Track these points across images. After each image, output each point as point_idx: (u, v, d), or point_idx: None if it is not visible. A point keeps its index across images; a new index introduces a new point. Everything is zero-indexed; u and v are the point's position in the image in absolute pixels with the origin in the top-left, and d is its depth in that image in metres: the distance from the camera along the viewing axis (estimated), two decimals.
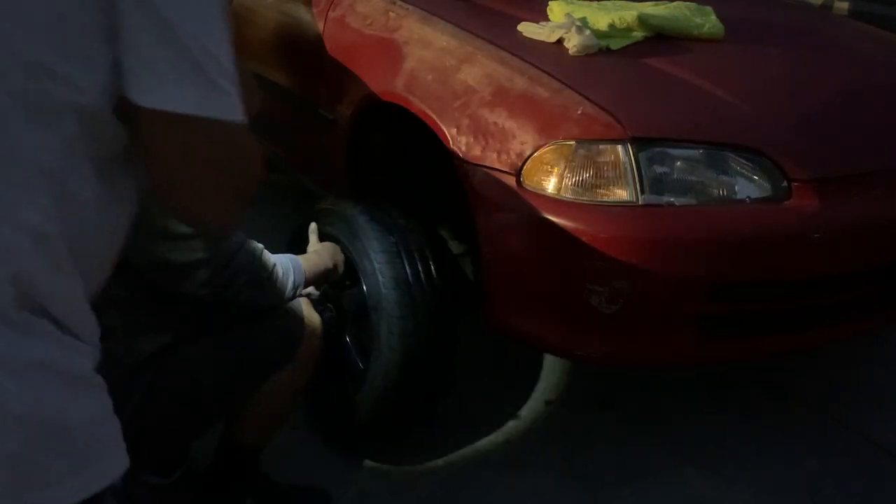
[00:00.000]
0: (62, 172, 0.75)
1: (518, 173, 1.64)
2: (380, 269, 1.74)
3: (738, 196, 1.62)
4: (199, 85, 0.78)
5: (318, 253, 1.74)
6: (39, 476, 0.70)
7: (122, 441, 0.77)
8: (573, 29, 1.88)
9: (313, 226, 1.84)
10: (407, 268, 1.73)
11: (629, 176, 1.57)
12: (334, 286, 1.81)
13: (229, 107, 0.80)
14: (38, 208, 0.73)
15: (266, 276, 1.46)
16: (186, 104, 0.76)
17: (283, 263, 1.52)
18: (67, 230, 0.75)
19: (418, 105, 1.85)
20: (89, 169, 0.78)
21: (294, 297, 1.56)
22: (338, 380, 1.88)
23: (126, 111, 0.78)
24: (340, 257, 1.78)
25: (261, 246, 1.47)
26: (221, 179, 0.84)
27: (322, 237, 1.83)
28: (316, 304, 1.63)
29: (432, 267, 1.76)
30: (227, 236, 1.35)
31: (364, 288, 1.78)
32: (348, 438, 1.89)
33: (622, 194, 1.58)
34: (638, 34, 1.99)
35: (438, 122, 1.79)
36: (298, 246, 1.80)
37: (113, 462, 0.76)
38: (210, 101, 0.78)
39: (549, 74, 1.73)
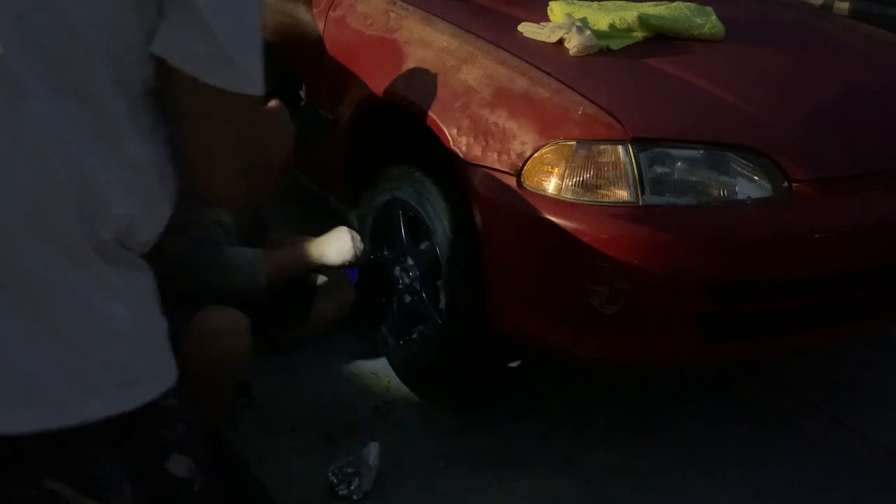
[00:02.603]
0: (134, 111, 0.85)
1: (518, 174, 1.65)
2: (450, 228, 1.82)
3: (739, 196, 1.62)
4: (221, 60, 0.84)
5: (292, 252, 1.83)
6: (135, 377, 0.88)
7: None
8: (573, 29, 1.88)
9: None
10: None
11: (630, 176, 1.58)
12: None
13: (250, 82, 0.87)
14: (132, 144, 0.85)
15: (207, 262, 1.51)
16: (201, 68, 0.84)
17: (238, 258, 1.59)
18: (152, 166, 0.87)
19: (418, 105, 1.85)
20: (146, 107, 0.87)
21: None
22: (419, 336, 2.03)
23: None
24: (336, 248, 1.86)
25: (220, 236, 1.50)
26: (237, 149, 0.92)
27: (391, 201, 1.99)
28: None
29: None
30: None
31: (436, 246, 1.87)
32: (434, 391, 2.02)
33: (623, 195, 1.58)
34: (638, 34, 1.99)
35: (438, 123, 1.79)
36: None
37: (173, 367, 0.92)
38: (226, 73, 0.85)
39: (549, 75, 1.73)
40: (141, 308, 0.90)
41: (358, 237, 1.88)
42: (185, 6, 0.83)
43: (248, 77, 0.89)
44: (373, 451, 1.77)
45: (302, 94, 1.51)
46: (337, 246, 1.85)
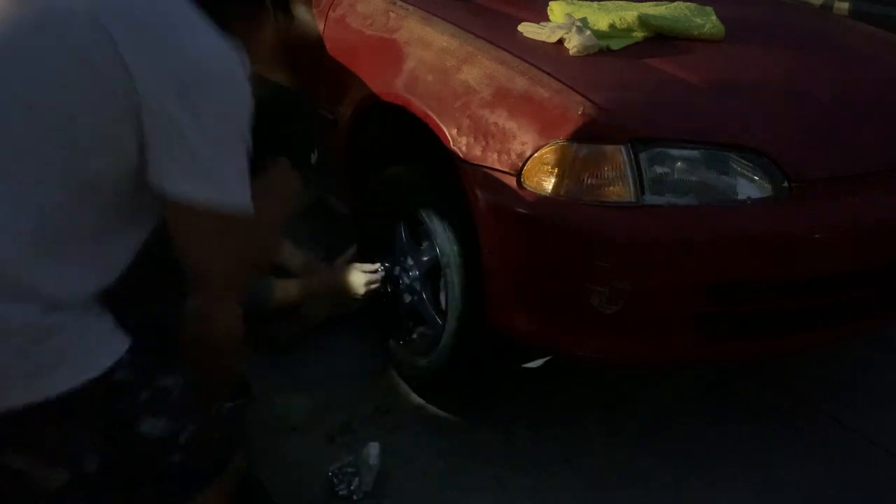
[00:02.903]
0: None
1: (518, 174, 1.64)
2: (449, 229, 1.81)
3: (739, 196, 1.62)
4: (203, 178, 0.98)
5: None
6: (43, 369, 0.98)
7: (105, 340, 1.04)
8: (573, 29, 1.88)
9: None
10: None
11: (629, 176, 1.57)
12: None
13: (229, 198, 1.00)
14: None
15: None
16: (183, 191, 0.98)
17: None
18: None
19: (418, 105, 1.85)
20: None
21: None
22: (419, 340, 2.04)
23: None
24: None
25: None
26: (227, 254, 1.05)
27: (391, 201, 2.01)
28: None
29: None
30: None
31: (436, 246, 1.87)
32: (433, 392, 2.02)
33: (623, 195, 1.58)
34: (638, 34, 1.99)
35: (439, 123, 1.79)
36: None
37: (105, 354, 1.03)
38: (207, 191, 0.98)
39: (549, 75, 1.73)
40: (46, 309, 0.97)
41: (373, 278, 1.88)
42: (176, 139, 0.97)
43: (232, 194, 1.02)
44: (373, 451, 1.77)
45: (314, 157, 1.52)
46: (352, 283, 1.85)
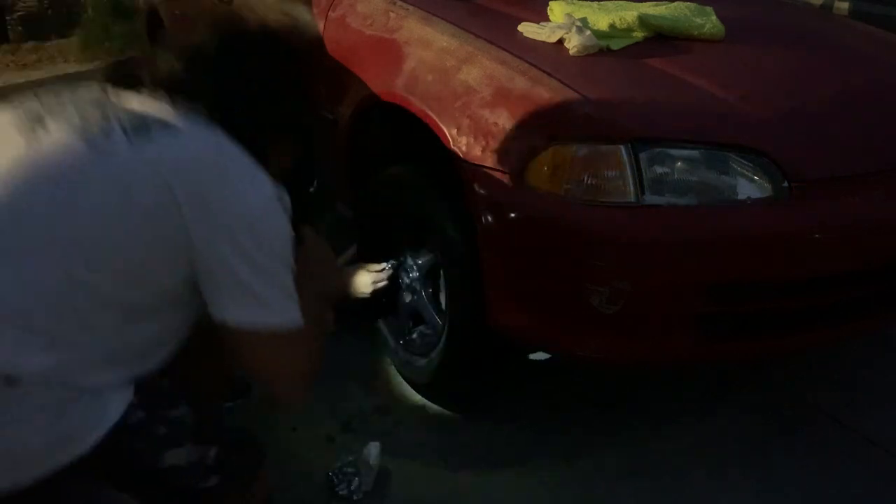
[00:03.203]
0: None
1: (518, 174, 1.64)
2: (449, 229, 1.81)
3: (739, 196, 1.62)
4: (256, 306, 1.11)
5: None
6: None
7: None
8: (573, 29, 1.88)
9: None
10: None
11: (630, 176, 1.57)
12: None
13: (279, 320, 1.13)
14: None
15: None
16: (241, 319, 1.11)
17: None
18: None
19: (418, 105, 1.85)
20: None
21: None
22: (419, 339, 2.06)
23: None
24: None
25: None
26: (277, 369, 1.18)
27: (391, 200, 2.01)
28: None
29: None
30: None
31: (436, 246, 1.88)
32: (433, 392, 2.03)
33: (623, 194, 1.58)
34: (638, 34, 1.99)
35: (439, 123, 1.79)
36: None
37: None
38: (262, 317, 1.11)
39: (549, 75, 1.73)
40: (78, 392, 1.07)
41: (380, 276, 1.88)
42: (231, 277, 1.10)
43: (284, 314, 1.14)
44: (373, 451, 1.78)
45: (314, 186, 1.55)
46: (359, 283, 1.84)
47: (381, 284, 1.89)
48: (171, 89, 1.16)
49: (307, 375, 1.24)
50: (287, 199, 1.20)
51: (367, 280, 1.89)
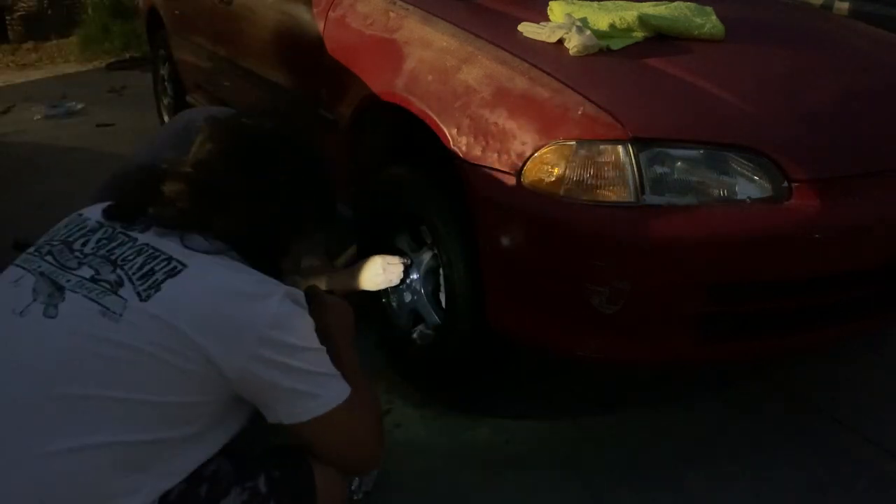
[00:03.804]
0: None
1: (518, 173, 1.64)
2: (449, 229, 1.81)
3: (739, 196, 1.62)
4: (304, 400, 1.17)
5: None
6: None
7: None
8: (573, 29, 1.88)
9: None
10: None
11: (630, 176, 1.57)
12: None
13: (328, 401, 1.19)
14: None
15: None
16: (295, 417, 1.18)
17: None
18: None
19: (418, 105, 1.85)
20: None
21: None
22: (419, 336, 2.05)
23: None
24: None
25: None
26: (344, 442, 1.25)
27: (391, 200, 2.01)
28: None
29: None
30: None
31: (436, 245, 1.87)
32: (433, 391, 2.04)
33: (623, 194, 1.58)
34: (638, 34, 1.99)
35: (439, 123, 1.79)
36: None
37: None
38: (313, 407, 1.18)
39: (549, 75, 1.73)
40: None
41: (393, 263, 1.88)
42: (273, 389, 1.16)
43: (332, 393, 1.20)
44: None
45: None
46: (370, 275, 1.85)
47: (393, 276, 1.88)
48: (181, 227, 1.19)
49: (376, 429, 1.31)
50: (297, 291, 1.23)
51: (377, 268, 1.88)
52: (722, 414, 2.04)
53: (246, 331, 1.13)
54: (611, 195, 1.59)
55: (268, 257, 1.26)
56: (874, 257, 1.73)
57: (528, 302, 1.72)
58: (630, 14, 2.00)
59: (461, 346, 1.89)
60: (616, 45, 1.92)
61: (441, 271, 1.91)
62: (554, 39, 1.90)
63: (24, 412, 1.07)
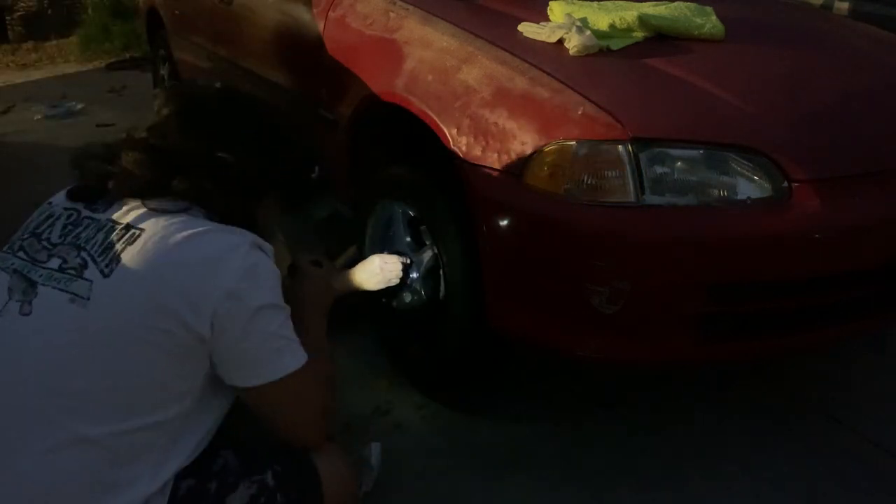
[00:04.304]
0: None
1: (518, 173, 1.65)
2: (449, 229, 1.81)
3: (739, 196, 1.62)
4: (266, 363, 1.17)
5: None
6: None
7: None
8: (573, 29, 1.88)
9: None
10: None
11: (630, 176, 1.57)
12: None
13: (290, 363, 1.19)
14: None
15: None
16: (257, 380, 1.18)
17: None
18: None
19: (418, 105, 1.85)
20: None
21: None
22: (417, 336, 2.04)
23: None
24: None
25: None
26: (287, 413, 1.23)
27: (391, 200, 2.02)
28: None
29: None
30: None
31: (436, 245, 1.88)
32: (433, 391, 2.04)
33: (623, 194, 1.58)
34: (638, 34, 1.99)
35: (439, 123, 1.79)
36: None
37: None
38: (277, 369, 1.18)
39: (549, 75, 1.73)
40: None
41: (391, 262, 1.87)
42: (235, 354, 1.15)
43: (292, 359, 1.19)
44: (374, 451, 1.77)
45: (315, 173, 1.55)
46: (367, 275, 1.85)
47: (391, 276, 1.87)
48: (142, 194, 1.19)
49: (320, 410, 1.30)
50: (264, 241, 1.22)
51: (374, 268, 1.86)
52: (722, 414, 2.04)
53: (211, 286, 1.12)
54: (611, 195, 1.59)
55: (238, 211, 1.24)
56: (874, 257, 1.73)
57: (528, 302, 1.72)
58: (630, 14, 2.00)
59: (460, 346, 1.89)
60: (616, 45, 1.92)
61: (441, 271, 1.91)
62: (554, 39, 1.90)
63: (14, 412, 1.07)
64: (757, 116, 1.73)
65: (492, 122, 1.71)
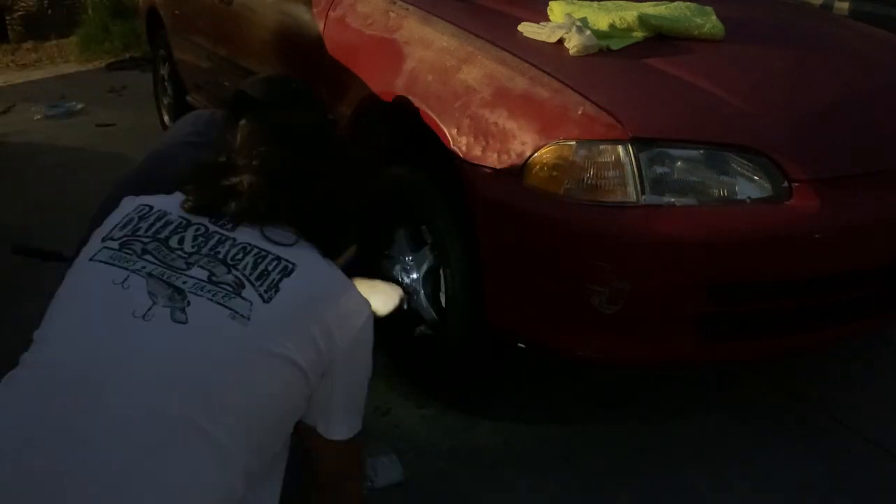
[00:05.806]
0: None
1: (518, 174, 1.65)
2: (449, 228, 1.81)
3: (739, 196, 1.62)
4: (349, 421, 1.21)
5: None
6: None
7: None
8: (573, 29, 1.88)
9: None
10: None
11: (630, 176, 1.57)
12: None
13: (357, 426, 1.22)
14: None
15: None
16: (339, 434, 1.20)
17: None
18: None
19: (419, 105, 1.85)
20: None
21: None
22: (416, 336, 2.04)
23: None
24: None
25: None
26: (351, 461, 1.27)
27: (391, 200, 2.02)
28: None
29: None
30: None
31: (436, 246, 1.88)
32: (433, 391, 2.04)
33: (623, 194, 1.58)
34: (638, 34, 1.99)
35: (439, 123, 1.79)
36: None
37: None
38: (352, 428, 1.21)
39: (549, 75, 1.73)
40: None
41: (389, 297, 1.86)
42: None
43: (357, 423, 1.22)
44: (394, 471, 1.79)
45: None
46: (380, 301, 1.83)
47: (391, 305, 1.85)
48: (265, 218, 1.17)
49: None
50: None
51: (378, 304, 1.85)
52: (722, 413, 2.04)
53: (348, 328, 1.15)
54: (611, 195, 1.59)
55: (340, 248, 1.29)
56: (874, 257, 1.73)
57: (528, 302, 1.72)
58: (630, 14, 2.00)
59: (460, 346, 1.89)
60: (616, 45, 1.92)
61: (441, 271, 1.91)
62: (554, 39, 1.90)
63: (159, 419, 1.01)
64: (757, 116, 1.73)
65: (492, 122, 1.71)
